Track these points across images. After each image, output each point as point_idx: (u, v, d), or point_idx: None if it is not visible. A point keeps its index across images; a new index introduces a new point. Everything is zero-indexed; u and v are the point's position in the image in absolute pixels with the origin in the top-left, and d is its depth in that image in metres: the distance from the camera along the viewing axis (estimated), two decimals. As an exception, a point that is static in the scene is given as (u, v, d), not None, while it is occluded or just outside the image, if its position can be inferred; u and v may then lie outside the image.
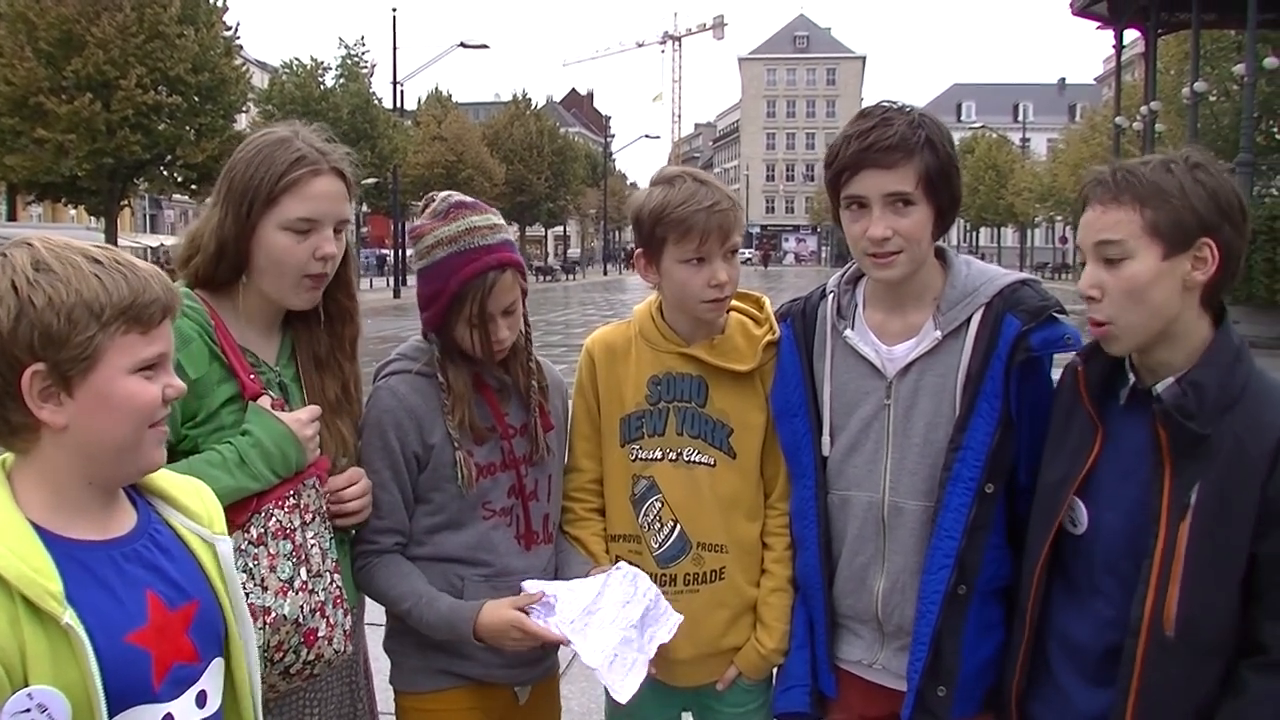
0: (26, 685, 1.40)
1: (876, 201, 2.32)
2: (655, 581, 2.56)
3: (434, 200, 2.51)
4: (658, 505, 2.61)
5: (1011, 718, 2.32)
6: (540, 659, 2.58)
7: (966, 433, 2.32)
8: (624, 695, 2.33)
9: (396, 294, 43.39)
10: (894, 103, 2.39)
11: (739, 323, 2.64)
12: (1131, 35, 35.78)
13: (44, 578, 1.44)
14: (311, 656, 2.27)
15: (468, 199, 2.50)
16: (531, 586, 2.43)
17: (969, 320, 2.36)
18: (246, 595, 2.12)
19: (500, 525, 2.53)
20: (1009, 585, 2.38)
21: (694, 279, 2.51)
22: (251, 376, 2.29)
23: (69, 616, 1.43)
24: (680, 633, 2.55)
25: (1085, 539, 2.19)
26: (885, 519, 2.43)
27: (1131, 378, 2.17)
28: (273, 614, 2.19)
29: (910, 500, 2.40)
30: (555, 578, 2.58)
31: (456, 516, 2.50)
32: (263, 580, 2.20)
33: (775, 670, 2.67)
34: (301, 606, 2.23)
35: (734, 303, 2.66)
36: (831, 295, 2.55)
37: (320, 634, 2.27)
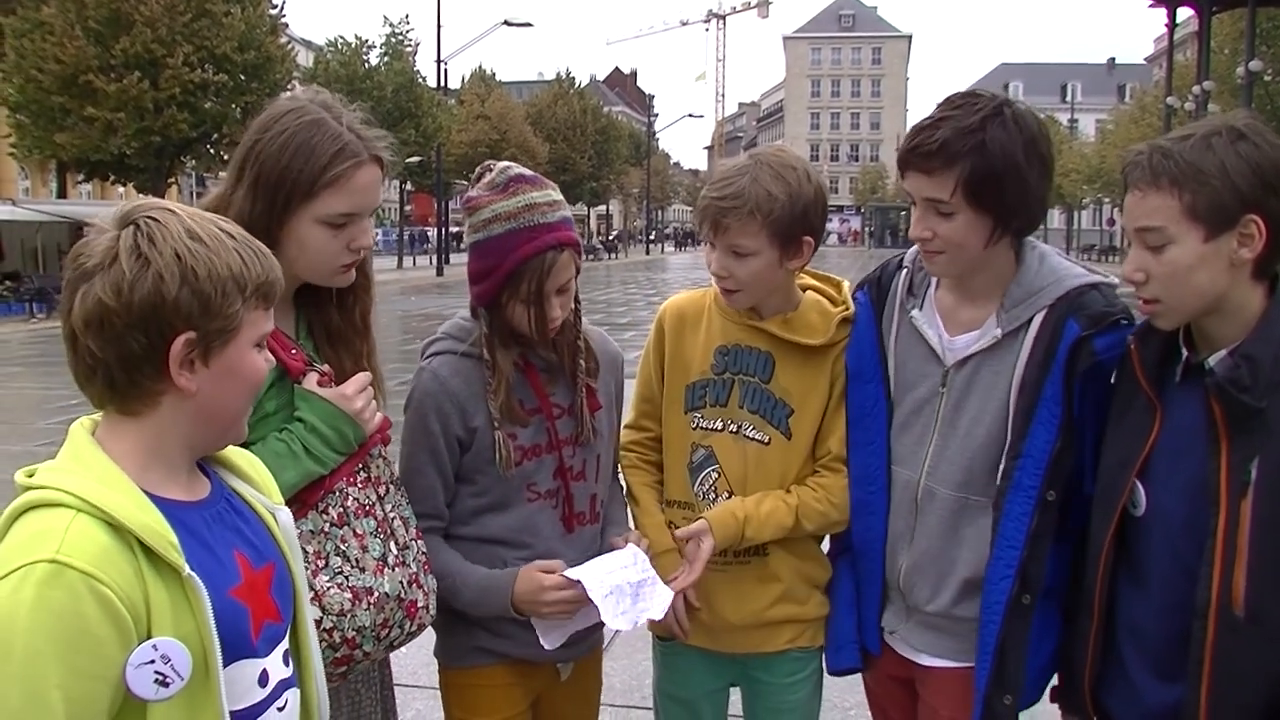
0: (150, 637, 1.42)
1: (919, 202, 2.32)
2: None
3: (490, 170, 2.43)
4: (714, 475, 2.62)
5: (1087, 710, 2.28)
6: (582, 638, 2.58)
7: (1026, 440, 2.28)
8: (619, 624, 2.39)
9: (439, 272, 43.65)
10: (980, 94, 2.30)
11: (814, 300, 2.63)
12: (1185, 14, 35.19)
13: (163, 530, 1.46)
14: (414, 628, 2.28)
15: (527, 172, 2.42)
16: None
17: (1030, 321, 2.32)
18: (346, 578, 2.15)
19: (546, 507, 2.51)
20: (1062, 583, 2.34)
21: (708, 257, 2.56)
22: (293, 352, 2.21)
23: (189, 568, 1.46)
24: (728, 602, 2.62)
25: (1144, 521, 2.14)
26: (919, 500, 2.44)
27: (1184, 352, 2.11)
28: (375, 593, 2.17)
29: (942, 487, 2.40)
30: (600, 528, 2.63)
31: (501, 499, 2.49)
32: (358, 561, 2.18)
33: (825, 636, 2.70)
34: (401, 581, 2.23)
35: (812, 283, 2.66)
36: (905, 270, 2.53)
37: (420, 604, 2.27)
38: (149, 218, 1.50)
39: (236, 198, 2.17)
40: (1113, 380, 2.28)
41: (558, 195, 2.44)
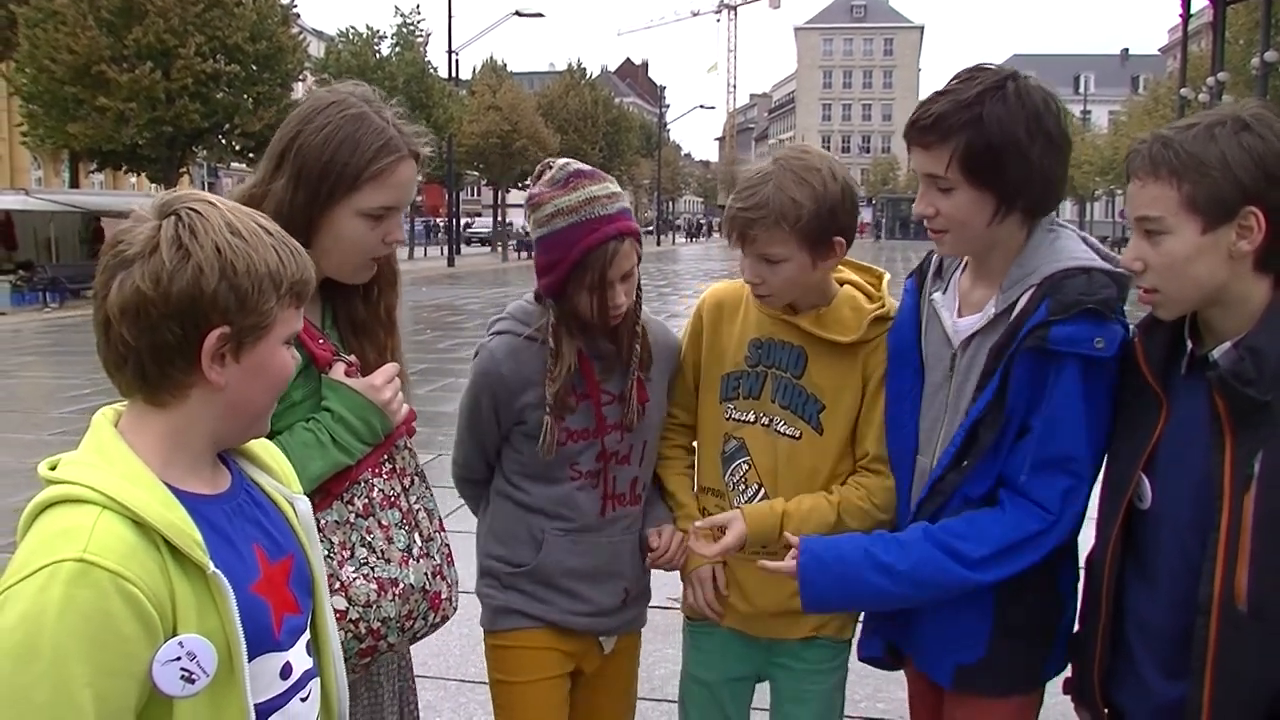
0: (175, 633, 1.43)
1: (921, 178, 2.30)
2: None
3: (550, 168, 2.49)
4: (745, 467, 2.65)
5: (1096, 705, 2.27)
6: (619, 609, 2.65)
7: (972, 404, 2.29)
8: None
9: (451, 263, 43.66)
10: (987, 68, 2.27)
11: (849, 295, 2.62)
12: (1199, 4, 34.99)
13: (188, 527, 1.46)
14: (437, 619, 2.30)
15: (585, 167, 2.49)
16: None
17: (1019, 299, 2.28)
18: (372, 569, 2.17)
19: (586, 487, 2.59)
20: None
21: (740, 264, 2.58)
22: (320, 342, 2.22)
23: (213, 565, 1.46)
24: (756, 587, 2.65)
25: (1151, 515, 2.12)
26: None
27: (1189, 345, 2.09)
28: (400, 585, 2.19)
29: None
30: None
31: (544, 471, 2.57)
32: (384, 553, 2.20)
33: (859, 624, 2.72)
34: (425, 573, 2.25)
35: (851, 275, 2.67)
36: (938, 254, 2.52)
37: (443, 596, 2.30)
38: (190, 209, 1.51)
39: (275, 188, 2.18)
40: (1112, 375, 2.24)
41: (615, 187, 2.49)
